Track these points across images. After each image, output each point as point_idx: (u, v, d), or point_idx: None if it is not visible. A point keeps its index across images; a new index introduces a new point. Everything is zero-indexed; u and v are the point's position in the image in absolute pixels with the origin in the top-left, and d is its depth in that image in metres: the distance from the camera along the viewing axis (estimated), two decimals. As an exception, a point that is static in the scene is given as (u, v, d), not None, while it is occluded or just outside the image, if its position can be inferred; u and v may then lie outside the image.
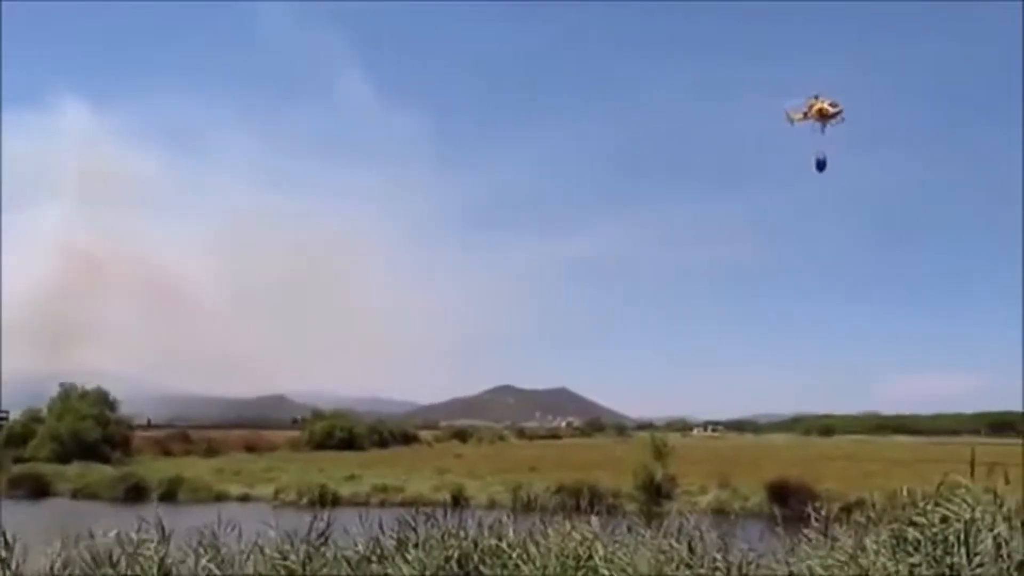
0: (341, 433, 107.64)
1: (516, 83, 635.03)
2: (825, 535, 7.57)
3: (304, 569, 8.36)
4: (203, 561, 8.27)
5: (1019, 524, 7.36)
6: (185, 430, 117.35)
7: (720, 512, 42.98)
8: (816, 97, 23.15)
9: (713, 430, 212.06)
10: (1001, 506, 7.36)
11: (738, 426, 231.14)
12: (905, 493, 7.96)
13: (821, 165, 23.45)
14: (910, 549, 6.89)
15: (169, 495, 52.83)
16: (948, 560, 6.59)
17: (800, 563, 7.05)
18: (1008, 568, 6.58)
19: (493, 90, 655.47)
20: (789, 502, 43.29)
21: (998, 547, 6.92)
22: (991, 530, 6.88)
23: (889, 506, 8.59)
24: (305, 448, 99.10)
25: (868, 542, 7.23)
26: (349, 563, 8.68)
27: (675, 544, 8.01)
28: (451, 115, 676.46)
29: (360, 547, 9.10)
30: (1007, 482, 7.87)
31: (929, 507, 7.26)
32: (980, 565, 6.56)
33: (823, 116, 23.09)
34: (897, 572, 6.53)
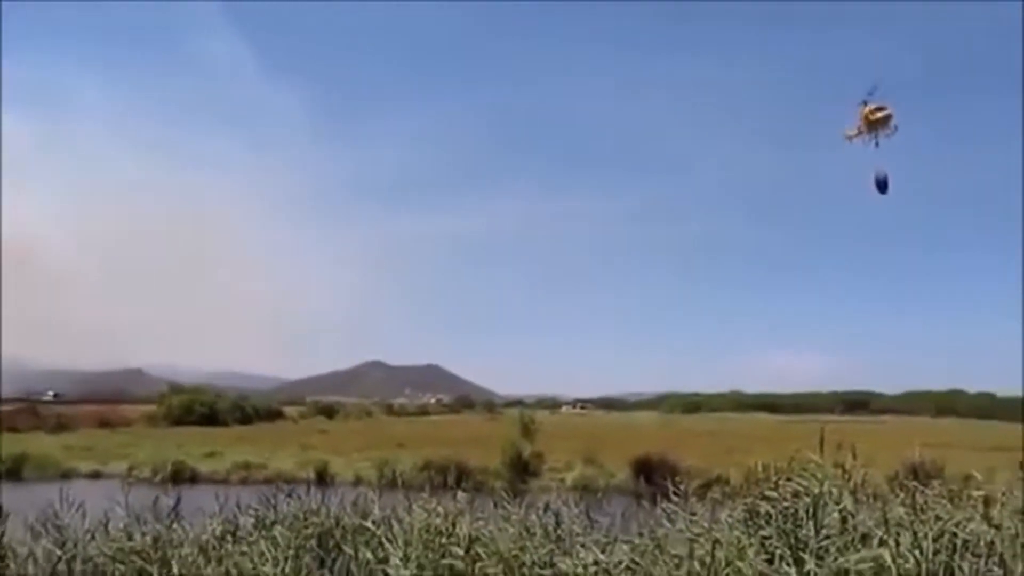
0: (201, 408, 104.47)
1: (395, 58, 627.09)
2: (684, 509, 7.86)
3: (154, 550, 8.10)
4: (43, 541, 7.92)
5: (864, 498, 7.85)
6: (34, 405, 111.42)
7: (586, 488, 44.09)
8: (864, 103, 20.19)
9: (582, 408, 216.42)
10: (848, 481, 7.81)
11: (607, 404, 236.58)
12: (760, 469, 8.36)
13: (882, 185, 19.93)
14: (762, 523, 7.24)
15: (13, 473, 50.13)
16: (797, 533, 6.95)
17: (658, 536, 7.28)
18: (853, 540, 6.99)
19: (371, 64, 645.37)
20: (653, 478, 44.76)
21: (843, 520, 7.34)
22: (838, 504, 7.30)
23: (746, 482, 9.00)
24: (163, 424, 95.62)
25: (723, 516, 7.56)
26: (202, 543, 8.46)
27: (539, 519, 8.15)
28: (328, 88, 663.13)
29: (216, 526, 8.89)
30: (855, 458, 8.33)
31: (781, 482, 7.64)
32: (827, 537, 6.94)
33: (872, 125, 20.03)
34: (750, 545, 6.83)
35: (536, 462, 49.98)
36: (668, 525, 7.61)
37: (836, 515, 7.34)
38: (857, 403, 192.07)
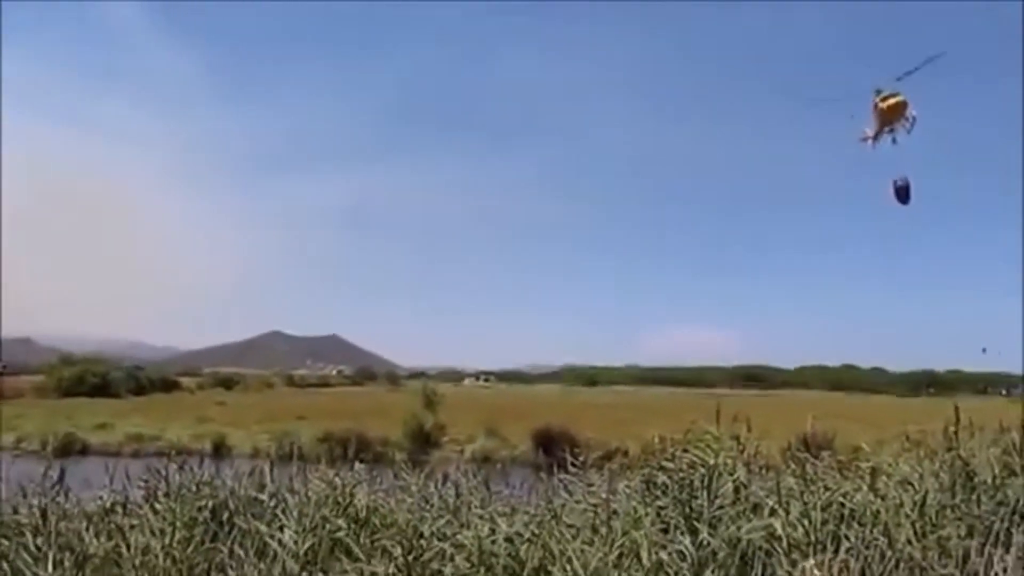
0: (93, 379, 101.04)
1: (295, 23, 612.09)
2: (582, 480, 7.92)
3: (42, 523, 7.76)
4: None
5: (758, 469, 8.05)
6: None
7: (487, 460, 44.42)
8: (877, 92, 17.00)
9: (485, 380, 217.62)
10: (742, 452, 7.99)
11: (509, 377, 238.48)
12: (657, 441, 8.48)
13: (903, 194, 16.35)
14: (658, 493, 7.34)
15: None
16: (692, 503, 7.07)
17: (555, 506, 7.31)
18: (746, 510, 7.16)
19: (272, 30, 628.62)
20: (553, 450, 45.34)
21: (737, 490, 7.51)
22: (732, 475, 7.46)
23: (643, 453, 9.12)
24: (53, 395, 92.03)
25: (621, 487, 7.64)
26: (89, 516, 8.17)
27: (437, 490, 8.11)
28: (227, 55, 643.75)
29: (106, 498, 8.59)
30: (749, 430, 8.53)
31: (678, 454, 7.76)
32: (720, 507, 7.09)
33: (885, 117, 16.86)
34: (646, 515, 6.92)
35: (438, 434, 50.07)
36: (566, 496, 7.65)
37: (730, 486, 7.49)
38: (754, 377, 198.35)
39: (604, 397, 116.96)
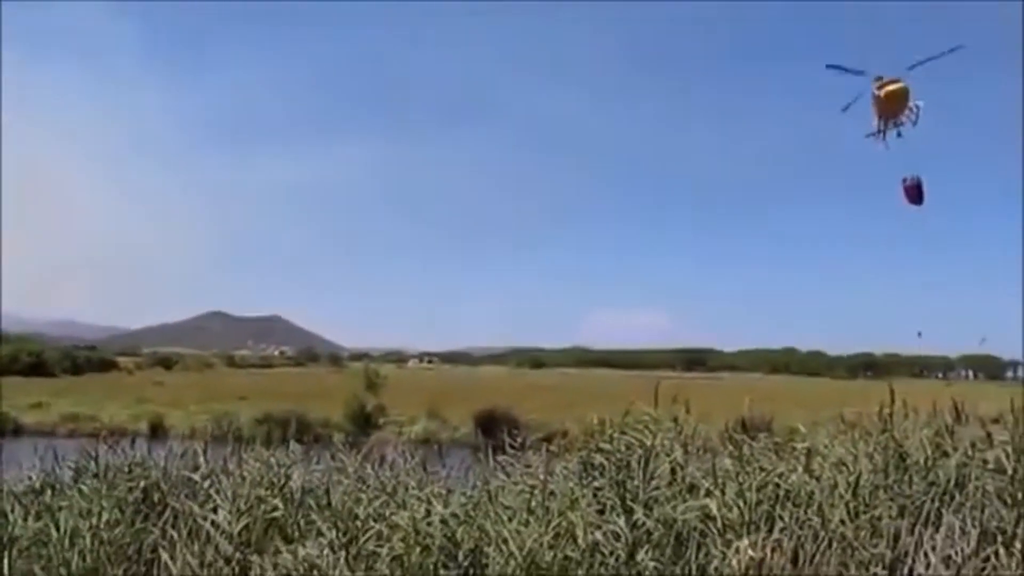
0: (28, 358, 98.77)
1: (226, 6, 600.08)
2: (521, 461, 7.91)
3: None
4: None
5: (695, 450, 8.11)
6: None
7: (428, 442, 44.41)
8: (879, 78, 14.73)
9: (428, 361, 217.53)
10: (680, 433, 8.04)
11: (453, 358, 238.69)
12: (596, 422, 8.49)
13: (915, 194, 14.51)
14: (596, 474, 7.35)
15: None
16: (628, 484, 7.10)
17: (492, 487, 7.29)
18: (682, 490, 7.20)
19: (204, 11, 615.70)
20: (495, 431, 45.47)
21: (673, 472, 7.55)
22: (668, 455, 7.50)
23: (583, 435, 9.13)
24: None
25: (559, 468, 7.65)
26: (17, 496, 7.97)
27: (375, 471, 8.04)
28: (168, 29, 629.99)
29: (35, 478, 8.42)
30: (688, 412, 8.59)
31: (616, 435, 7.77)
32: (656, 489, 7.12)
33: (885, 108, 14.75)
34: (583, 496, 6.93)
35: (379, 415, 49.89)
36: (504, 477, 7.63)
37: (666, 467, 7.53)
38: (696, 360, 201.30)
39: (549, 379, 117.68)
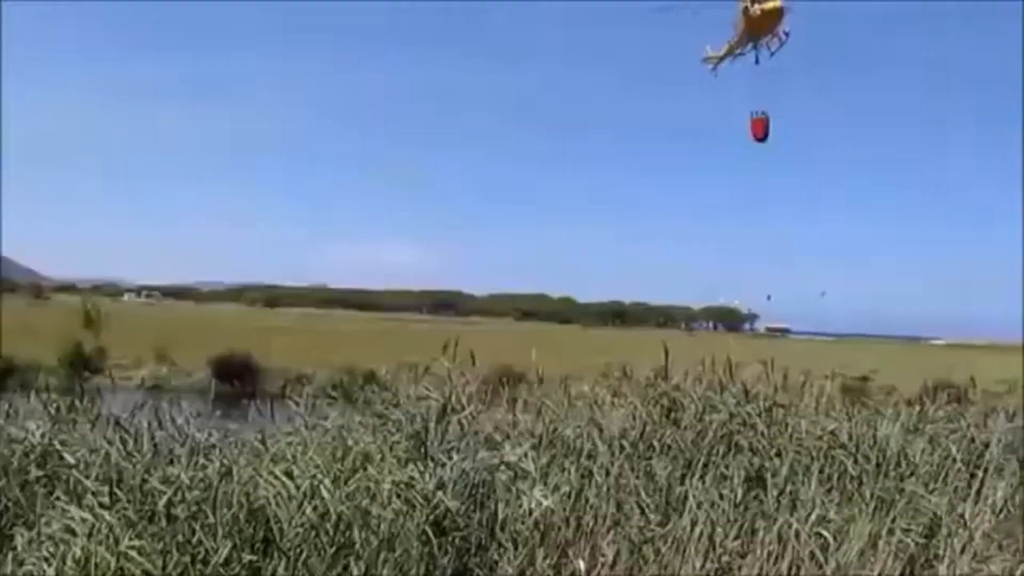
0: None
1: None
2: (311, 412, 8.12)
3: None
4: None
5: (483, 402, 8.71)
6: None
7: (158, 388, 42.72)
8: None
9: (148, 296, 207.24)
10: (467, 384, 8.57)
11: (177, 293, 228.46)
12: (384, 373, 8.88)
13: (761, 128, 14.69)
14: (392, 428, 7.75)
15: None
16: (422, 437, 7.56)
17: (282, 444, 7.45)
18: (473, 443, 7.76)
19: None
20: (235, 377, 44.60)
21: (461, 426, 8.10)
22: (462, 409, 8.04)
23: (345, 381, 9.42)
24: None
25: (355, 421, 7.96)
26: None
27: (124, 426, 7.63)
28: None
29: None
30: (474, 363, 9.14)
31: (411, 388, 8.21)
32: (449, 442, 7.63)
33: (755, 27, 14.51)
34: (379, 449, 7.31)
35: (99, 358, 47.14)
36: (298, 430, 7.77)
37: (455, 421, 8.06)
38: (445, 303, 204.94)
39: (287, 320, 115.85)
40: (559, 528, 7.53)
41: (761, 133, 14.93)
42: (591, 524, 7.74)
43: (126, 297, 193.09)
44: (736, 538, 7.54)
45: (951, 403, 10.72)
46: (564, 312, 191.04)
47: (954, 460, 8.90)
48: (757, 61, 15.04)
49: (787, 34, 14.69)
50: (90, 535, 5.73)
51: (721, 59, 15.73)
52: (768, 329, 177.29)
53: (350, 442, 7.29)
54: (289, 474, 6.41)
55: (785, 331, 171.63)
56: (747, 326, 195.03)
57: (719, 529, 7.53)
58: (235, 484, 6.25)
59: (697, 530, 7.58)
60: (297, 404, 8.36)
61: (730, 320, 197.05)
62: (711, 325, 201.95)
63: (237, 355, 49.20)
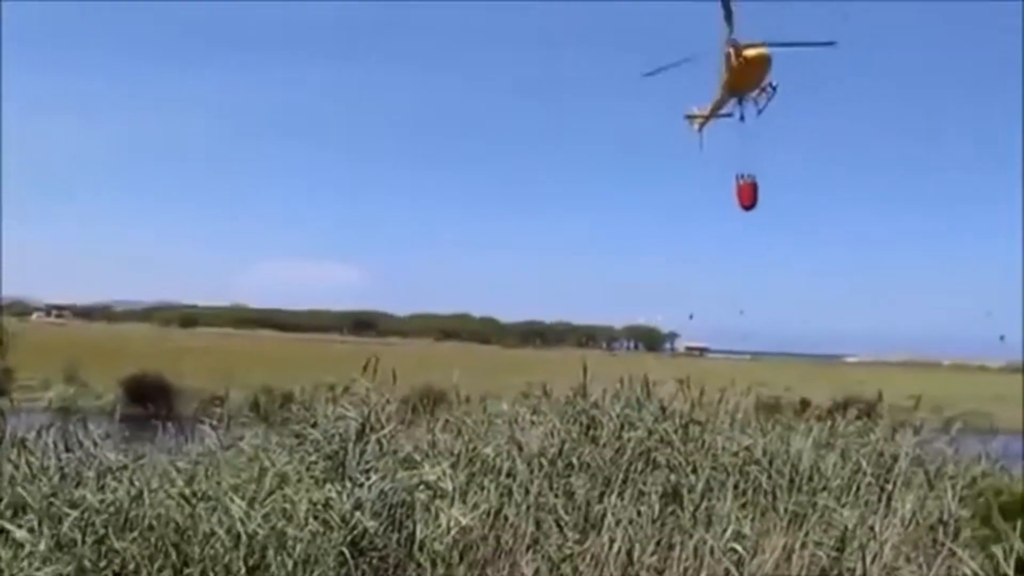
0: None
1: None
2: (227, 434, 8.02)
3: None
4: None
5: (403, 422, 8.70)
6: None
7: (67, 411, 41.46)
8: (732, 44, 12.63)
9: (58, 315, 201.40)
10: (388, 403, 8.56)
11: (89, 313, 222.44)
12: (300, 392, 8.81)
13: (749, 194, 13.24)
14: (309, 448, 7.69)
15: None
16: (341, 457, 7.52)
17: (195, 465, 7.36)
18: (392, 463, 7.74)
19: None
20: (146, 399, 43.55)
21: (380, 446, 8.07)
22: (381, 429, 8.01)
23: (262, 401, 9.33)
24: None
25: (273, 441, 7.88)
26: None
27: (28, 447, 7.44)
28: None
29: None
30: (395, 381, 9.13)
31: (329, 408, 8.16)
32: (367, 462, 7.60)
33: (742, 76, 12.74)
34: (296, 470, 7.24)
35: (5, 379, 45.56)
36: (211, 450, 7.68)
37: (374, 440, 8.02)
38: (365, 323, 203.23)
39: (203, 340, 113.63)
40: (478, 547, 7.56)
41: (749, 201, 13.36)
42: (510, 542, 7.78)
43: (35, 316, 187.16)
44: (653, 554, 7.65)
45: (861, 418, 11.06)
46: (485, 332, 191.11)
47: (864, 474, 9.17)
48: (742, 118, 13.34)
49: (774, 87, 13.04)
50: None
51: (707, 119, 14.08)
52: (688, 348, 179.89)
53: (266, 463, 7.21)
54: (202, 496, 6.32)
55: (704, 350, 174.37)
56: (667, 345, 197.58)
57: (637, 545, 7.63)
58: (146, 507, 6.12)
59: (615, 547, 7.67)
60: (212, 425, 8.26)
61: (650, 339, 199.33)
62: (632, 344, 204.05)
63: (150, 376, 48.12)
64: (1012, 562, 5.00)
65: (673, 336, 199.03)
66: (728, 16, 12.48)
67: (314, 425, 8.01)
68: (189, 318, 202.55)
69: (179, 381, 48.80)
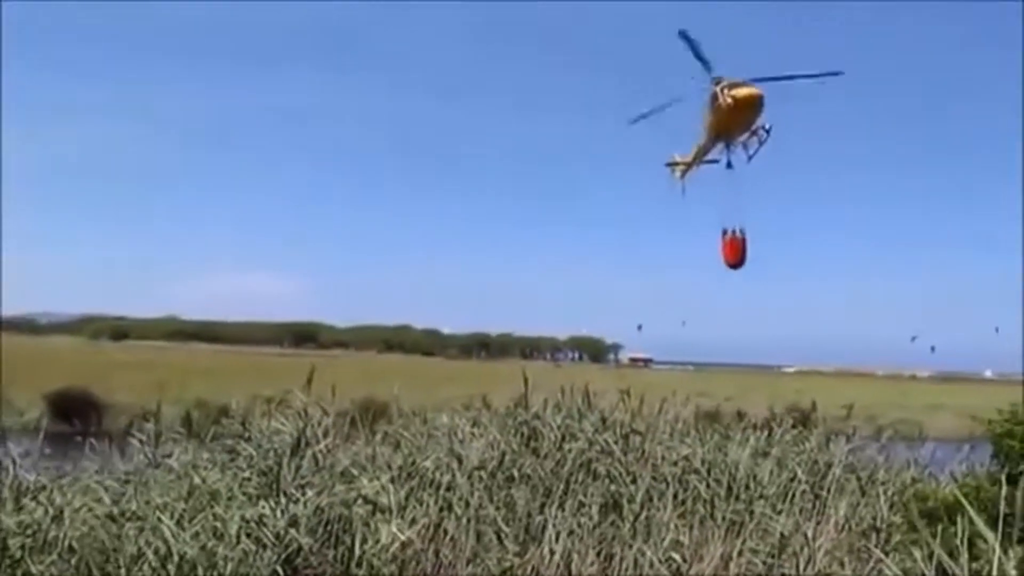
0: None
1: None
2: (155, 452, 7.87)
3: None
4: None
5: (342, 436, 8.63)
6: None
7: (-12, 428, 40.25)
8: (716, 81, 11.26)
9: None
10: (326, 417, 8.47)
11: (13, 325, 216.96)
12: (235, 406, 8.68)
13: (737, 252, 11.80)
14: (242, 464, 7.58)
15: None
16: (275, 472, 7.42)
17: (122, 484, 7.22)
18: (329, 477, 7.67)
19: None
20: (73, 416, 42.49)
21: (317, 460, 8.00)
22: (318, 443, 7.93)
23: (195, 416, 9.19)
24: None
25: (204, 457, 7.75)
26: None
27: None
28: None
29: None
30: (334, 394, 9.05)
31: (264, 422, 8.06)
32: (303, 477, 7.52)
33: (730, 118, 11.35)
34: (228, 487, 7.13)
35: (-78, 396, 44.12)
36: (143, 468, 7.54)
37: (309, 454, 7.95)
38: (306, 335, 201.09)
39: (135, 354, 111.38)
40: (417, 561, 7.51)
41: (735, 258, 11.86)
42: (450, 556, 7.75)
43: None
44: (593, 564, 7.69)
45: (796, 426, 11.26)
46: (429, 344, 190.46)
47: (800, 481, 9.33)
48: (730, 165, 11.84)
49: (767, 131, 11.57)
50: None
51: (689, 166, 12.78)
52: (632, 359, 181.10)
53: (196, 480, 7.09)
54: (129, 515, 6.19)
55: (648, 361, 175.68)
56: (611, 356, 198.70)
57: (576, 556, 7.66)
58: (67, 528, 5.97)
59: (555, 558, 7.68)
60: (142, 442, 8.11)
61: (594, 350, 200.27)
62: (577, 355, 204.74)
63: (77, 391, 46.82)
64: (933, 566, 5.12)
65: (617, 347, 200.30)
66: (699, 56, 11.24)
67: (248, 440, 7.90)
68: (120, 331, 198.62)
69: (109, 396, 47.58)
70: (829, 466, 9.80)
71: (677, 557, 7.49)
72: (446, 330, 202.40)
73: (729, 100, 11.00)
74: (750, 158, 11.36)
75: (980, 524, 4.83)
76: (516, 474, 8.60)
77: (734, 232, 11.83)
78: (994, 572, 4.73)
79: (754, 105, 11.13)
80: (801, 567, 7.54)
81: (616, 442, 9.13)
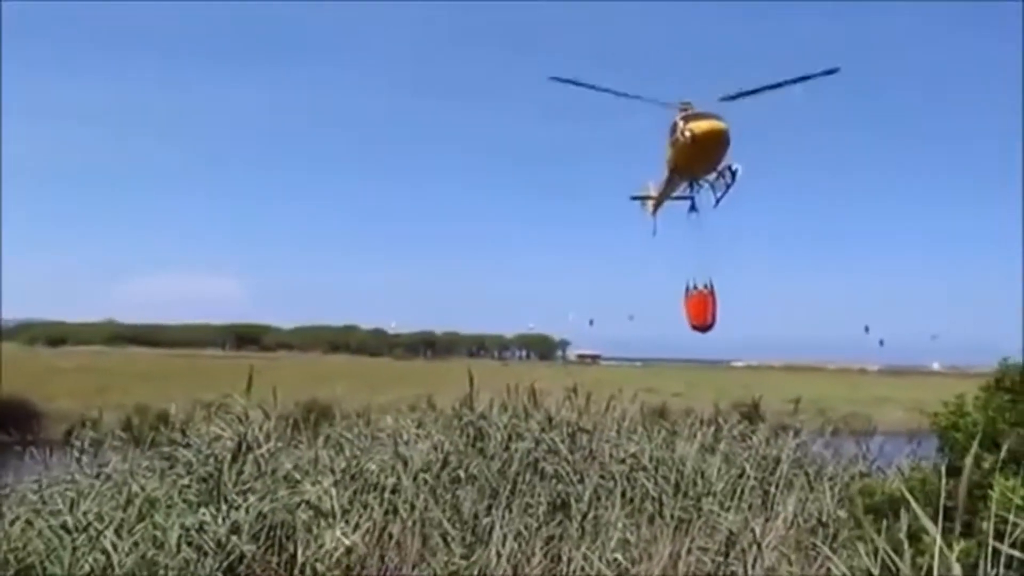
0: None
1: None
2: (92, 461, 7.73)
3: None
4: None
5: (284, 439, 8.54)
6: None
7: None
8: (683, 109, 9.78)
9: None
10: (268, 420, 8.40)
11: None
12: (175, 411, 8.56)
13: (703, 311, 10.27)
14: (182, 471, 7.47)
15: None
16: (216, 478, 7.33)
17: (59, 494, 7.08)
18: (271, 482, 7.59)
19: None
20: (10, 424, 41.64)
21: (258, 465, 7.91)
22: (260, 447, 7.85)
23: (135, 423, 9.05)
24: None
25: (143, 466, 7.63)
26: None
27: None
28: None
29: None
30: (276, 397, 8.96)
31: (204, 427, 7.95)
32: (245, 483, 7.44)
33: (692, 154, 9.73)
34: (167, 494, 7.03)
35: None
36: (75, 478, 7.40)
37: (251, 459, 7.87)
38: (248, 337, 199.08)
39: (74, 359, 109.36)
40: (362, 566, 7.47)
41: (702, 320, 10.27)
42: (396, 560, 7.72)
43: None
44: (540, 565, 7.69)
45: (743, 421, 11.36)
46: (374, 344, 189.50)
47: (748, 477, 9.43)
48: (694, 207, 10.42)
49: (734, 173, 9.98)
50: None
51: (659, 202, 11.47)
52: (579, 356, 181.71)
53: (135, 488, 6.98)
54: (66, 526, 6.08)
55: (596, 357, 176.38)
56: (559, 353, 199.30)
57: (523, 558, 7.66)
58: (2, 540, 5.85)
59: (503, 560, 7.68)
60: (80, 450, 7.97)
61: (542, 348, 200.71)
62: (524, 353, 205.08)
63: (12, 399, 45.88)
64: (878, 562, 5.19)
65: (565, 344, 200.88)
66: (591, 86, 9.81)
67: (187, 446, 7.80)
68: (58, 336, 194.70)
69: (47, 403, 46.69)
70: (777, 462, 9.91)
71: (621, 558, 7.52)
72: (392, 328, 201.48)
73: (687, 135, 9.56)
74: (717, 202, 10.01)
75: (924, 518, 4.91)
76: (462, 475, 8.59)
77: (700, 288, 10.26)
78: (935, 566, 4.81)
79: (717, 141, 9.63)
80: (749, 565, 7.62)
81: (563, 441, 9.16)
